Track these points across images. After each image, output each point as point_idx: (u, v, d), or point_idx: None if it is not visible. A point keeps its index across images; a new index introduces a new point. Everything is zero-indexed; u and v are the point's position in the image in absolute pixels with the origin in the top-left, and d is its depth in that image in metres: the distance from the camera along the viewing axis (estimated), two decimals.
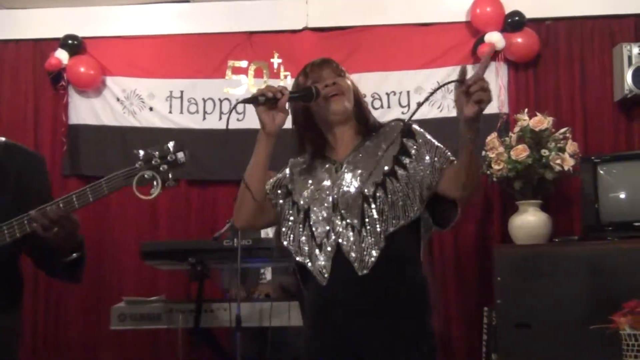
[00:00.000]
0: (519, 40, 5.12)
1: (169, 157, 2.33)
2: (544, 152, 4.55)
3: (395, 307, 2.31)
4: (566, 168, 4.55)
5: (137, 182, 2.29)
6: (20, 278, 2.48)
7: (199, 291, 3.82)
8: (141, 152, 2.32)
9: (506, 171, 4.59)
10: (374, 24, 5.37)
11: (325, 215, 2.37)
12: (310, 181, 2.45)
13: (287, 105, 2.35)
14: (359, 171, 2.39)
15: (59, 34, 5.41)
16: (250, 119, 5.30)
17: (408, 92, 5.28)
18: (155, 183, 2.29)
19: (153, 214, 5.38)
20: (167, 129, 5.39)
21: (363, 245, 2.31)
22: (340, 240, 2.33)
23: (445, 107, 5.23)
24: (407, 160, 2.40)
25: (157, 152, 2.32)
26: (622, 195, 4.57)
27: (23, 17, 5.54)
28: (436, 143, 2.49)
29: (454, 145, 4.86)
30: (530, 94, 5.20)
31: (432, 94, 2.68)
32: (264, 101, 2.30)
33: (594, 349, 3.81)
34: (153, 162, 2.31)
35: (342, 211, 2.35)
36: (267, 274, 4.50)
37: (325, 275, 2.33)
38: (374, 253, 2.30)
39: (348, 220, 2.33)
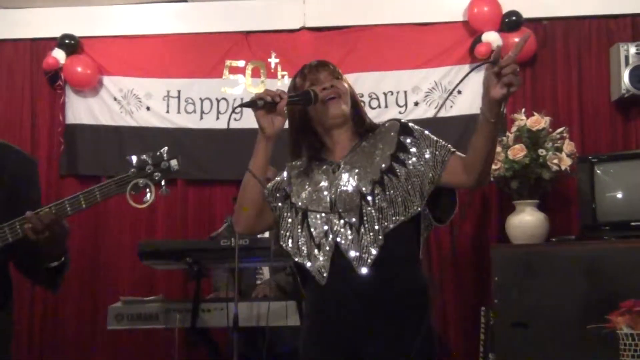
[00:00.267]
0: (516, 40, 5.11)
1: (162, 165, 2.32)
2: (541, 151, 4.55)
3: (396, 305, 2.31)
4: (563, 168, 4.55)
5: (131, 189, 2.28)
6: (10, 281, 2.47)
7: (196, 291, 3.82)
8: (134, 159, 2.31)
9: (503, 171, 4.59)
10: (371, 23, 5.37)
11: (323, 215, 2.37)
12: (307, 183, 2.45)
13: (285, 108, 2.35)
14: (356, 170, 2.39)
15: (56, 33, 5.41)
16: (247, 119, 5.29)
17: (405, 92, 5.28)
18: (148, 191, 2.28)
19: (150, 213, 5.37)
20: (164, 129, 5.39)
21: (362, 243, 2.30)
22: (338, 239, 2.32)
23: (442, 106, 5.23)
24: (405, 157, 2.40)
25: (150, 159, 2.31)
26: (619, 195, 4.58)
27: (20, 17, 5.53)
28: (435, 138, 2.48)
29: (453, 144, 4.87)
30: (528, 94, 5.21)
31: (466, 76, 2.80)
32: (263, 105, 2.29)
33: (591, 349, 3.81)
34: (146, 169, 2.30)
35: (340, 210, 2.35)
36: (265, 272, 4.50)
37: (325, 275, 2.33)
38: (373, 251, 2.30)
39: (346, 219, 2.33)
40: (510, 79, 2.23)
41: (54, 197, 5.30)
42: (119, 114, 5.43)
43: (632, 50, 4.88)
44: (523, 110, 4.78)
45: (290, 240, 2.43)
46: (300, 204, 2.42)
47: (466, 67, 5.24)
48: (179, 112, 5.42)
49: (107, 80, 5.47)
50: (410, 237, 2.39)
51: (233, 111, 2.63)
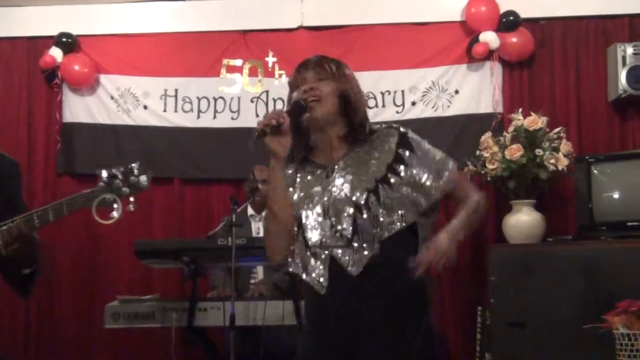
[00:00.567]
0: (514, 40, 5.12)
1: (131, 180, 2.30)
2: (538, 151, 4.56)
3: (395, 305, 2.31)
4: (560, 168, 4.55)
5: (98, 204, 2.26)
6: None
7: (192, 290, 3.82)
8: (104, 173, 2.28)
9: (500, 171, 4.59)
10: (369, 23, 5.37)
11: (316, 223, 2.35)
12: (300, 190, 2.42)
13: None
14: (350, 177, 2.37)
15: (54, 31, 5.40)
16: (244, 118, 5.30)
17: (403, 92, 5.28)
18: (116, 206, 2.26)
19: (147, 212, 5.37)
20: (162, 128, 5.38)
21: (356, 251, 2.30)
22: (333, 250, 2.31)
23: (439, 106, 5.23)
24: (401, 168, 2.37)
25: (120, 174, 2.28)
26: (616, 195, 4.59)
27: (17, 15, 5.52)
28: (432, 155, 2.45)
29: (451, 144, 4.86)
30: (525, 94, 5.21)
31: None
32: (270, 131, 2.29)
33: (588, 348, 3.82)
34: (115, 184, 2.28)
35: (333, 219, 2.33)
36: (259, 272, 4.50)
37: (324, 285, 2.32)
38: (367, 255, 2.30)
39: (338, 227, 2.32)
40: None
41: (50, 195, 5.30)
42: (116, 113, 5.42)
43: (630, 50, 4.88)
44: (520, 110, 4.78)
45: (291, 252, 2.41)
46: (293, 213, 2.39)
47: (463, 67, 5.24)
48: (176, 111, 5.41)
49: (104, 78, 5.45)
50: (407, 245, 2.38)
51: (253, 145, 2.34)
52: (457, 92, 5.23)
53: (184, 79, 5.42)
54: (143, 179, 2.32)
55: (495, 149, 4.63)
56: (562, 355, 4.18)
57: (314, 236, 2.35)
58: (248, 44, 5.44)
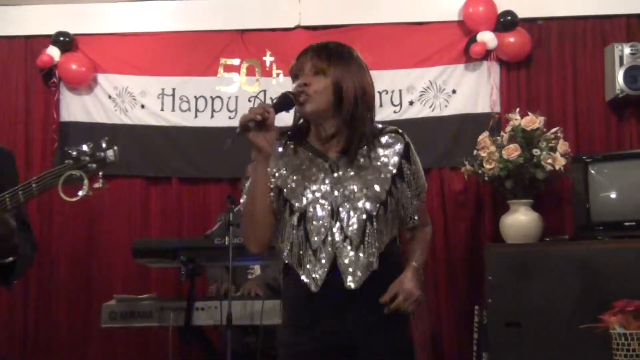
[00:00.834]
0: (511, 39, 5.13)
1: (97, 155, 2.20)
2: (536, 151, 4.56)
3: (384, 320, 2.33)
4: (557, 168, 4.56)
5: (64, 181, 2.17)
6: None
7: (190, 289, 3.81)
8: (74, 151, 2.20)
9: (497, 170, 4.59)
10: (367, 22, 5.37)
11: (322, 222, 2.32)
12: (302, 178, 2.38)
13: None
14: (362, 182, 2.34)
15: (51, 30, 5.39)
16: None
17: (400, 91, 5.28)
18: (83, 184, 2.17)
19: (144, 211, 5.38)
20: (159, 127, 5.38)
21: (359, 262, 2.30)
22: (337, 254, 2.30)
23: (437, 106, 5.23)
24: (399, 182, 2.39)
25: (88, 150, 2.21)
26: (613, 195, 4.59)
27: (15, 14, 5.51)
28: (419, 176, 2.46)
29: (449, 144, 4.86)
30: (522, 94, 5.21)
31: None
32: (254, 125, 2.25)
33: (584, 348, 3.83)
34: (82, 160, 2.19)
35: (343, 224, 2.31)
36: (257, 269, 4.50)
37: (319, 284, 2.31)
38: (367, 272, 2.30)
39: (348, 234, 2.31)
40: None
41: (47, 195, 5.26)
42: (113, 112, 5.42)
43: (627, 50, 4.89)
44: (517, 110, 4.78)
45: (285, 242, 2.38)
46: (297, 204, 2.36)
47: (461, 67, 5.24)
48: (173, 110, 5.41)
49: (101, 77, 5.45)
50: (397, 253, 2.42)
51: (233, 142, 2.28)
52: (454, 91, 5.23)
53: (182, 78, 5.42)
54: (110, 153, 2.22)
55: (493, 148, 4.63)
56: (558, 355, 4.18)
57: (317, 236, 2.32)
58: (246, 43, 5.44)
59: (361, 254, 2.30)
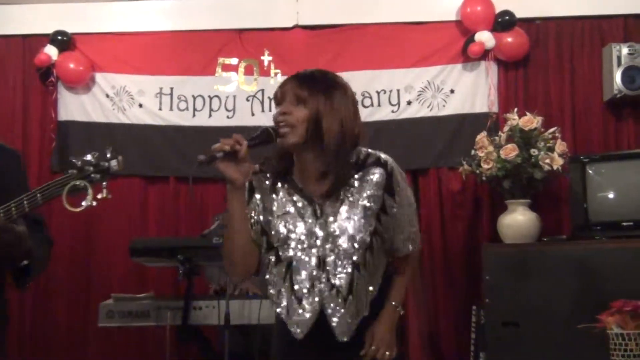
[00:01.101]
0: (509, 39, 5.13)
1: (101, 165, 2.22)
2: (533, 151, 4.56)
3: None
4: (555, 168, 4.56)
5: (69, 191, 2.19)
6: None
7: (187, 288, 3.82)
8: (76, 160, 2.23)
9: (495, 170, 4.59)
10: (365, 22, 5.37)
11: (309, 270, 2.28)
12: (286, 224, 2.32)
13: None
14: (346, 226, 2.28)
15: (49, 30, 5.38)
16: (239, 117, 5.30)
17: (398, 91, 5.28)
18: (88, 193, 2.19)
19: (142, 210, 5.37)
20: (157, 126, 5.38)
21: (348, 311, 2.28)
22: (324, 304, 2.27)
23: (435, 106, 5.23)
24: (383, 217, 2.32)
25: (93, 159, 2.22)
26: (611, 195, 4.59)
27: (12, 13, 5.50)
28: (406, 204, 2.38)
29: (446, 143, 4.86)
30: (520, 94, 5.21)
31: None
32: (223, 156, 2.17)
33: (582, 348, 3.82)
34: (86, 170, 2.21)
35: (329, 273, 2.27)
36: None
37: (304, 332, 2.29)
38: (357, 320, 2.30)
39: (334, 282, 2.27)
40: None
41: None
42: (111, 111, 5.41)
43: (625, 50, 4.89)
44: (515, 109, 4.78)
45: (271, 287, 2.36)
46: (282, 253, 2.31)
47: (459, 67, 5.24)
48: (171, 109, 5.40)
49: (99, 77, 5.45)
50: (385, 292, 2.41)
51: (198, 166, 2.21)
52: (452, 91, 5.23)
53: (180, 77, 5.42)
54: (114, 163, 2.23)
55: (491, 148, 4.63)
56: (556, 355, 4.18)
57: (303, 284, 2.28)
58: (244, 43, 5.43)
59: (351, 304, 2.27)
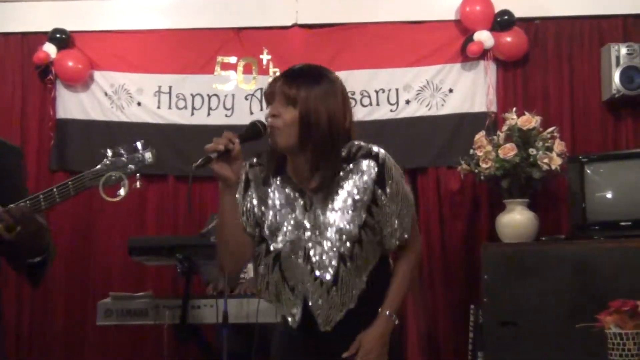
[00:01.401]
0: (508, 39, 5.13)
1: (135, 157, 2.29)
2: (532, 151, 4.57)
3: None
4: (553, 167, 4.56)
5: (104, 182, 2.24)
6: None
7: (185, 287, 3.81)
8: (109, 152, 2.28)
9: (494, 170, 4.60)
10: (364, 21, 5.37)
11: (295, 262, 2.30)
12: (277, 217, 2.33)
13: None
14: (333, 218, 2.27)
15: (47, 27, 5.38)
16: (238, 115, 5.30)
17: (397, 90, 5.28)
18: (122, 184, 2.25)
19: (141, 209, 5.37)
20: (155, 124, 5.37)
21: (330, 304, 2.28)
22: (308, 294, 2.28)
23: (433, 105, 5.24)
24: (375, 209, 2.29)
25: (125, 152, 2.28)
26: (609, 195, 4.60)
27: (11, 11, 5.50)
28: (400, 198, 2.32)
29: (445, 143, 4.85)
30: (519, 93, 5.22)
31: None
32: (218, 156, 2.18)
33: (580, 348, 3.83)
34: (120, 162, 2.27)
35: (314, 264, 2.27)
36: (250, 270, 4.49)
37: (297, 319, 2.31)
38: (341, 312, 2.29)
39: (317, 273, 2.27)
40: None
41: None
42: (109, 109, 5.41)
43: (623, 50, 4.90)
44: (514, 109, 4.78)
45: (260, 280, 2.37)
46: (272, 244, 2.32)
47: (458, 66, 5.25)
48: (170, 107, 5.40)
49: (98, 75, 5.44)
50: (387, 280, 2.38)
51: (195, 170, 2.23)
52: (451, 90, 5.23)
53: (178, 75, 5.41)
54: (148, 155, 2.31)
55: (489, 148, 4.63)
56: (554, 354, 4.19)
57: (292, 275, 2.30)
58: (242, 42, 5.43)
59: (335, 295, 2.26)
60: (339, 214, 2.28)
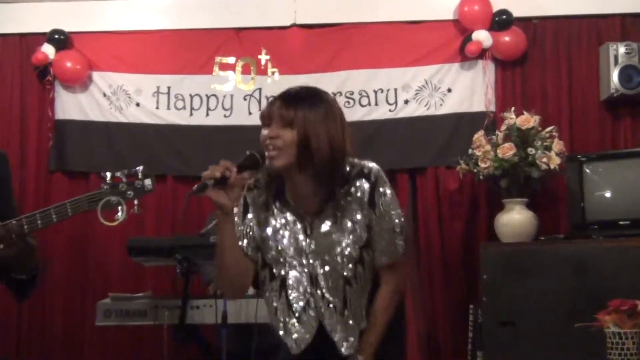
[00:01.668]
0: (506, 38, 5.13)
1: (136, 183, 2.30)
2: (531, 150, 4.57)
3: None
4: (552, 167, 4.56)
5: (102, 206, 2.27)
6: None
7: (184, 287, 3.81)
8: (108, 175, 2.29)
9: (492, 169, 4.60)
10: (363, 21, 5.37)
11: (302, 287, 2.31)
12: (279, 242, 2.34)
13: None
14: (339, 247, 2.29)
15: (46, 28, 5.38)
16: (236, 116, 5.30)
17: (396, 90, 5.28)
18: (120, 209, 2.27)
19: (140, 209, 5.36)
20: (154, 125, 5.37)
21: (346, 326, 2.30)
22: (323, 320, 2.30)
23: (432, 105, 5.24)
24: (373, 226, 2.33)
25: (124, 177, 2.29)
26: (608, 194, 4.60)
27: (9, 12, 5.50)
28: (390, 218, 2.34)
29: (443, 142, 4.84)
30: (517, 93, 5.22)
31: None
32: (214, 184, 2.16)
33: (579, 347, 3.82)
34: (120, 186, 2.28)
35: (323, 289, 2.29)
36: None
37: (302, 347, 2.31)
38: (357, 333, 2.31)
39: (329, 298, 2.29)
40: None
41: (42, 193, 5.30)
42: (108, 110, 5.41)
43: (622, 50, 4.90)
44: (513, 108, 4.78)
45: (268, 304, 2.38)
46: (275, 270, 2.34)
47: (456, 66, 5.25)
48: (168, 108, 5.40)
49: (96, 75, 5.44)
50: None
51: (189, 196, 2.19)
52: (449, 90, 5.23)
53: (177, 76, 5.41)
54: (147, 182, 2.31)
55: (488, 147, 4.64)
56: (553, 354, 4.19)
57: (298, 301, 2.31)
58: (241, 42, 5.43)
59: (348, 317, 2.29)
60: (339, 237, 2.29)
